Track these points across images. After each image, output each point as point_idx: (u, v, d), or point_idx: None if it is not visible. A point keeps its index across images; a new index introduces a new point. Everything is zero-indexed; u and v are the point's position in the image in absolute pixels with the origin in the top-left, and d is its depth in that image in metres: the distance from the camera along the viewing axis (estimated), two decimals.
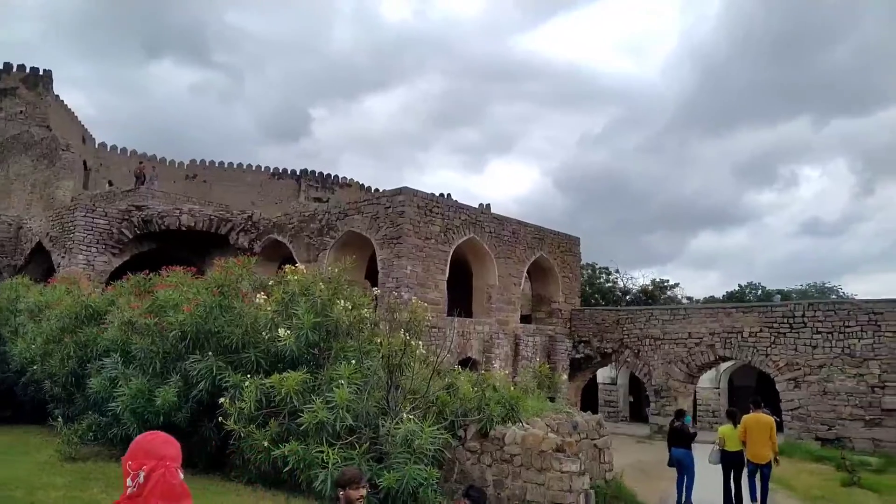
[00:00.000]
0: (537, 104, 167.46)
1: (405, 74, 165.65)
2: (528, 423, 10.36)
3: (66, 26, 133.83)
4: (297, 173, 61.52)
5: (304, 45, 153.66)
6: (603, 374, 31.22)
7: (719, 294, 52.99)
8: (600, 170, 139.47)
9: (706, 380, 27.99)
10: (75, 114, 52.23)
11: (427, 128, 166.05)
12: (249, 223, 25.42)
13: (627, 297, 41.74)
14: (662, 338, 24.69)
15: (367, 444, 8.20)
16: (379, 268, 20.54)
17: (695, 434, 11.88)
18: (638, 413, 31.04)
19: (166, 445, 2.43)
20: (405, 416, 8.43)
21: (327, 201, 51.53)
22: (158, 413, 9.14)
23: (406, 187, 20.74)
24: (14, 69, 45.68)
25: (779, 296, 44.06)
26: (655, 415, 24.52)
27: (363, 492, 4.65)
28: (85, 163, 48.57)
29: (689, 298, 45.64)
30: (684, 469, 11.94)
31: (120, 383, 9.78)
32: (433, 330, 18.47)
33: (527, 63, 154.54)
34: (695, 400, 26.47)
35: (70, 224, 22.89)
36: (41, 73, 46.42)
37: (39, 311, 13.59)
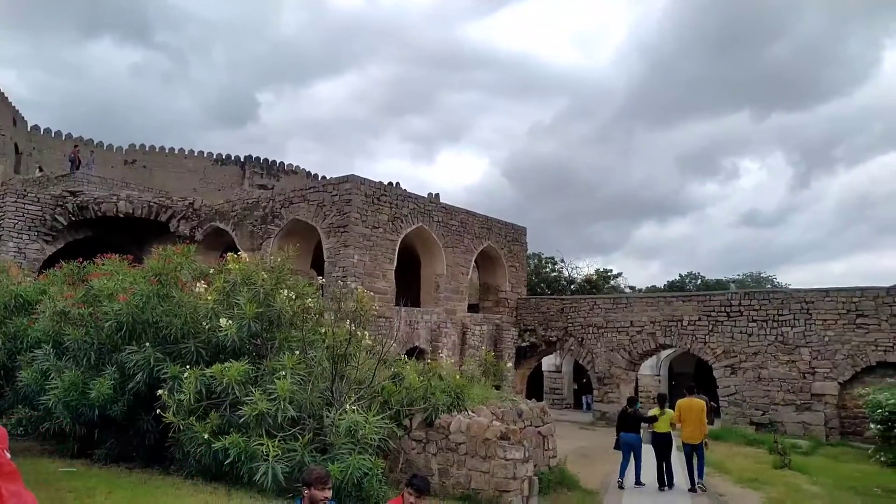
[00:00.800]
0: (487, 94, 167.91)
1: (355, 60, 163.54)
2: (473, 412, 10.44)
3: None
4: (242, 160, 60.18)
5: (251, 28, 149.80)
6: (548, 363, 31.72)
7: (661, 283, 54.45)
8: (549, 160, 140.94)
9: (647, 367, 28.74)
10: (5, 94, 49.73)
11: (377, 115, 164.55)
12: (191, 210, 24.78)
13: (572, 287, 42.41)
14: (605, 326, 25.21)
15: (311, 435, 8.13)
16: (325, 257, 20.31)
17: (654, 418, 12.39)
18: (580, 400, 31.72)
19: None
20: (349, 406, 8.38)
21: (272, 188, 50.62)
22: (93, 406, 8.84)
23: (353, 175, 20.53)
24: None
25: (733, 285, 45.56)
26: (598, 401, 25.08)
27: (329, 493, 4.58)
28: (16, 146, 46.41)
29: (632, 288, 46.70)
30: (634, 452, 12.50)
31: (52, 376, 9.40)
32: (380, 319, 18.42)
33: (477, 52, 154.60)
34: (636, 386, 27.17)
35: (0, 210, 21.86)
36: None
37: None
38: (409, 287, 23.39)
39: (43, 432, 9.98)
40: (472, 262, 25.24)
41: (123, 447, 9.47)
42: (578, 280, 43.39)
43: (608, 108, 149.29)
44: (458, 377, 10.76)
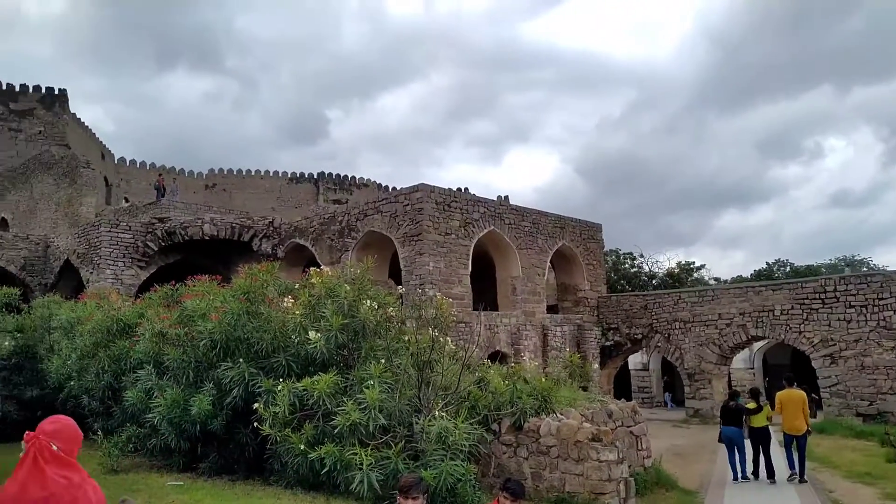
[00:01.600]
0: (551, 91, 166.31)
1: (417, 70, 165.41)
2: (561, 414, 10.29)
3: (79, 42, 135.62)
4: (315, 176, 61.84)
5: (314, 46, 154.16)
6: (634, 361, 31.01)
7: (747, 273, 52.32)
8: (619, 154, 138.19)
9: (740, 360, 27.66)
10: (93, 130, 52.95)
11: (442, 122, 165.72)
12: (271, 229, 25.58)
13: (654, 282, 41.34)
14: (692, 320, 24.42)
15: (402, 442, 8.20)
16: (401, 266, 20.55)
17: (757, 409, 12.14)
18: (672, 397, 30.81)
19: (47, 423, 2.84)
20: (438, 412, 8.41)
21: (346, 202, 51.73)
22: (195, 422, 9.22)
23: (423, 184, 20.71)
24: (30, 90, 46.37)
25: (848, 269, 43.30)
26: (690, 398, 24.29)
27: (419, 501, 4.59)
28: (106, 178, 49.27)
29: (717, 279, 45.13)
30: (737, 446, 12.34)
31: (155, 394, 9.88)
32: (460, 325, 18.46)
33: (537, 50, 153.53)
34: (729, 381, 26.18)
35: (96, 240, 23.21)
36: (56, 92, 47.04)
37: (72, 327, 13.79)
38: (485, 291, 23.36)
39: (150, 448, 10.47)
40: (548, 263, 24.96)
41: (225, 460, 9.83)
42: (660, 274, 42.25)
43: (677, 97, 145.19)
44: (543, 380, 10.63)
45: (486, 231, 22.05)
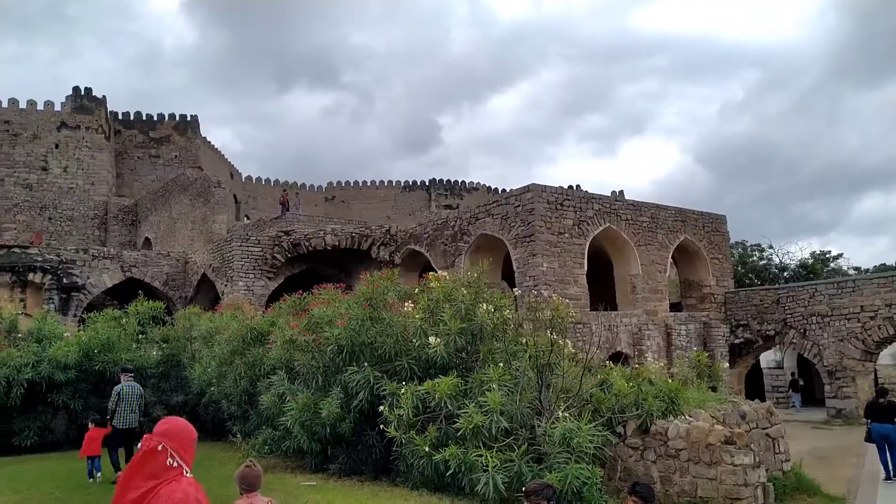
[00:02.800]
0: (666, 79, 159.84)
1: (526, 68, 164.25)
2: (690, 416, 9.87)
3: (209, 70, 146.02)
4: (427, 183, 63.10)
5: (425, 54, 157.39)
6: (766, 359, 29.15)
7: (892, 261, 47.92)
8: (744, 139, 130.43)
9: (887, 356, 25.32)
10: (222, 152, 56.85)
11: (553, 119, 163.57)
12: (388, 236, 26.34)
13: (785, 274, 38.76)
14: (831, 314, 22.66)
15: (525, 445, 8.18)
16: (515, 267, 20.49)
17: None
18: (810, 397, 28.70)
19: (160, 424, 3.02)
20: (560, 415, 8.33)
21: (457, 207, 52.35)
22: (324, 424, 9.64)
23: (534, 184, 20.56)
24: (166, 118, 50.54)
25: None
26: (832, 397, 22.54)
27: None
28: (235, 196, 52.63)
29: (856, 269, 41.60)
30: (889, 444, 11.78)
31: (287, 398, 10.43)
32: (577, 326, 18.15)
33: (649, 38, 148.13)
34: (875, 378, 24.03)
35: (228, 254, 24.87)
36: (189, 118, 50.98)
37: (211, 336, 14.83)
38: (602, 291, 22.83)
39: (284, 450, 11.06)
40: (669, 259, 24.01)
41: (353, 461, 10.20)
42: (792, 266, 39.54)
43: (806, 74, 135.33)
44: (669, 381, 10.24)
45: (601, 229, 21.56)
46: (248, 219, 39.33)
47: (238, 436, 11.84)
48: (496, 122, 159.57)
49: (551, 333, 9.27)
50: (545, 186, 20.73)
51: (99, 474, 10.84)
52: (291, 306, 13.39)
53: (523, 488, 5.08)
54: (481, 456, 7.78)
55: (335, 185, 62.45)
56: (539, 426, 8.52)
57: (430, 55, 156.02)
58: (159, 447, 2.84)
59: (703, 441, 8.98)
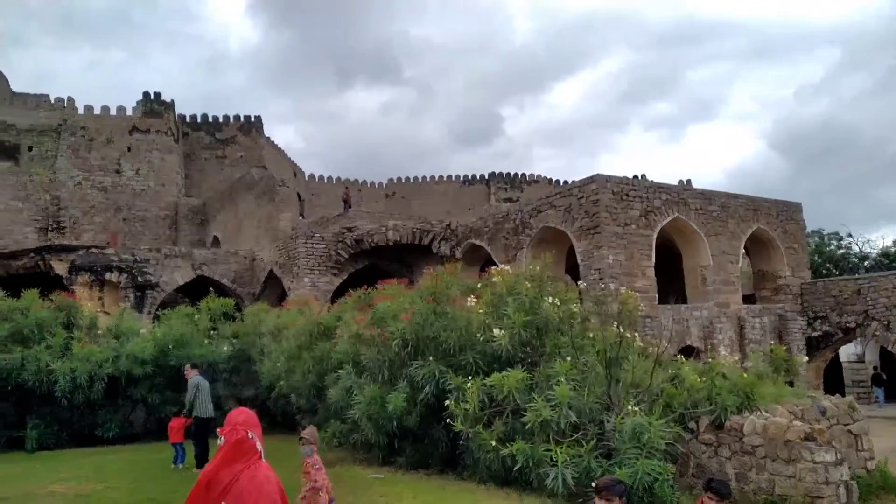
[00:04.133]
0: (737, 63, 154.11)
1: (589, 56, 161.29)
2: (766, 412, 9.50)
3: (272, 69, 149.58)
4: (486, 177, 62.92)
5: (486, 46, 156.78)
6: (846, 352, 27.79)
7: None
8: (821, 123, 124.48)
9: None
10: (285, 151, 58.16)
11: (617, 108, 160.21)
12: (448, 231, 26.36)
13: (865, 264, 36.90)
14: None
15: (594, 440, 8.02)
16: (579, 260, 20.16)
17: None
18: (894, 392, 27.21)
19: (238, 414, 3.21)
20: (630, 410, 8.13)
21: (517, 200, 51.99)
22: (391, 418, 9.69)
23: (598, 174, 20.16)
24: (231, 120, 52.07)
25: None
26: None
27: (616, 502, 4.46)
28: (298, 194, 53.73)
29: None
30: None
31: (354, 392, 10.54)
32: (646, 319, 17.74)
33: (717, 21, 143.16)
34: None
35: (294, 251, 25.40)
36: (252, 119, 52.38)
37: (279, 332, 15.15)
38: (671, 283, 22.21)
39: (353, 443, 11.20)
40: (741, 249, 23.16)
41: (420, 455, 10.24)
42: (873, 255, 37.62)
43: (887, 52, 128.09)
44: (743, 375, 9.86)
45: (669, 219, 20.97)
46: (303, 217, 40.09)
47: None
48: (559, 113, 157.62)
49: (619, 327, 9.05)
50: (609, 177, 20.31)
51: (181, 464, 11.24)
52: (356, 301, 13.53)
53: (593, 483, 4.96)
54: (549, 451, 7.67)
55: (394, 181, 63.03)
56: (608, 421, 8.34)
57: (490, 46, 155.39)
58: (249, 435, 3.01)
59: (781, 437, 8.62)
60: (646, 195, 20.64)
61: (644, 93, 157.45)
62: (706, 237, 21.68)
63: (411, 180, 63.15)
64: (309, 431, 6.33)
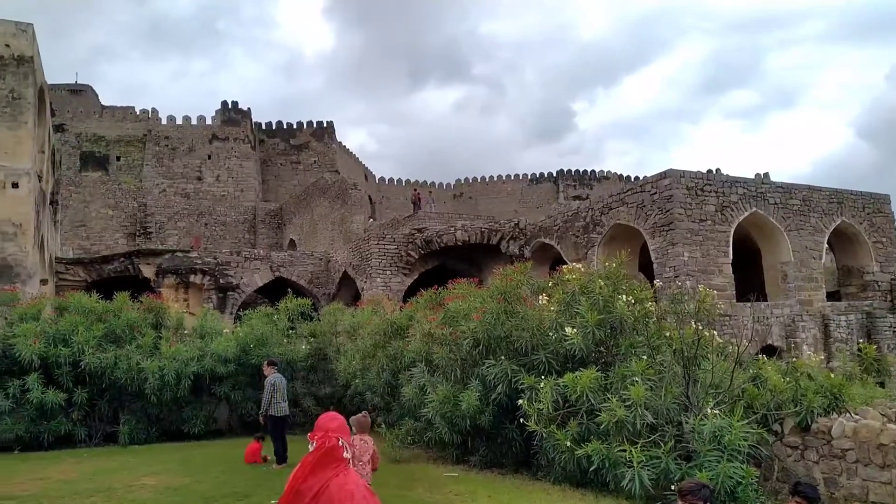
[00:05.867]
0: (821, 46, 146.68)
1: (663, 46, 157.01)
2: (856, 414, 9.06)
3: (345, 73, 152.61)
4: (554, 175, 62.32)
5: (558, 39, 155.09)
6: None
7: None
8: None
9: None
10: (356, 156, 59.37)
11: (693, 98, 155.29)
12: (517, 230, 26.30)
13: None
14: None
15: (672, 441, 7.86)
16: (652, 258, 19.74)
17: None
18: None
19: (330, 420, 3.19)
20: (710, 411, 7.93)
21: (586, 198, 51.27)
22: (464, 416, 9.76)
23: (671, 169, 19.69)
24: (304, 126, 53.56)
25: None
26: None
27: None
28: (370, 197, 54.70)
29: None
30: None
31: (428, 390, 10.67)
32: (724, 318, 17.21)
33: (802, 3, 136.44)
34: None
35: (366, 252, 25.91)
36: (325, 125, 53.71)
37: (354, 331, 15.49)
38: (749, 280, 21.45)
39: (426, 441, 11.33)
40: (825, 244, 22.14)
41: (493, 454, 10.28)
42: None
43: None
44: (830, 375, 9.45)
45: (746, 214, 20.27)
46: (373, 220, 40.84)
47: (383, 426, 12.27)
48: (632, 106, 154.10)
49: (697, 326, 8.84)
50: (683, 171, 19.80)
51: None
52: (427, 301, 13.67)
53: (675, 487, 4.89)
54: (625, 451, 7.57)
55: (462, 181, 63.27)
56: (686, 422, 8.15)
57: (561, 40, 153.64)
58: (339, 442, 3.01)
59: (874, 441, 8.21)
60: (721, 190, 20.03)
61: (722, 82, 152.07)
62: (786, 232, 20.85)
63: (478, 180, 63.24)
64: (355, 418, 6.91)
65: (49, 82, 25.65)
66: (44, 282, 22.20)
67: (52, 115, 29.33)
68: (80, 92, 60.19)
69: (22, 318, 14.79)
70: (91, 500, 8.72)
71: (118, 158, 46.04)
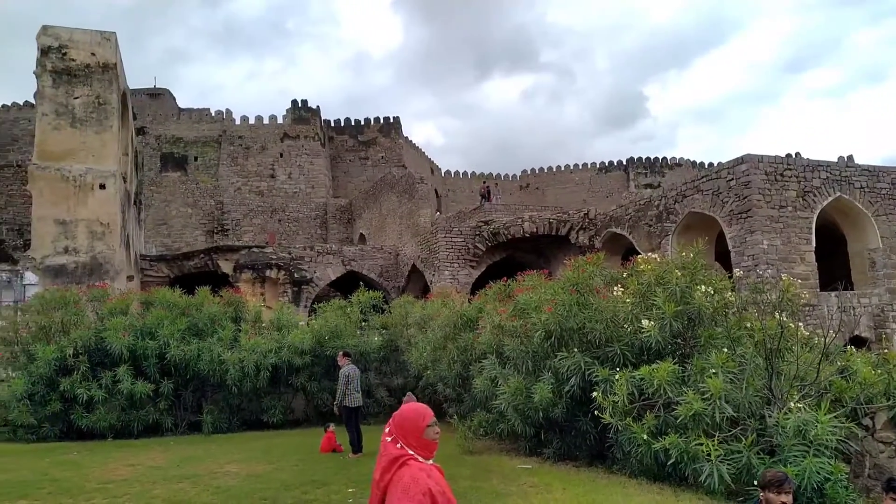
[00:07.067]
0: None
1: (738, 25, 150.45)
2: None
3: (412, 67, 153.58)
4: (624, 163, 60.97)
5: (628, 24, 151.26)
6: None
7: None
8: None
9: None
10: (423, 150, 59.78)
11: (772, 79, 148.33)
12: (586, 220, 25.90)
13: None
14: None
15: (753, 435, 7.61)
16: (730, 246, 19.08)
17: None
18: None
19: (397, 415, 3.21)
20: (794, 405, 7.63)
21: (658, 186, 49.98)
22: (537, 409, 9.73)
23: (749, 154, 18.94)
24: (371, 122, 54.31)
25: None
26: None
27: (787, 498, 4.24)
28: (436, 191, 55.03)
29: None
30: None
31: (499, 382, 10.69)
32: (807, 308, 16.50)
33: None
34: None
35: (434, 245, 26.10)
36: (392, 120, 54.30)
37: (424, 323, 15.66)
38: (833, 269, 20.47)
39: (499, 433, 11.36)
40: None
41: (567, 446, 10.20)
42: None
43: None
44: None
45: (830, 199, 19.31)
46: (439, 213, 41.06)
47: (454, 417, 12.38)
48: (706, 89, 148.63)
49: (780, 316, 8.51)
50: (762, 156, 19.03)
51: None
52: (497, 293, 13.67)
53: (757, 481, 4.73)
54: (703, 445, 7.37)
55: (529, 172, 62.73)
56: (769, 416, 7.87)
57: (631, 24, 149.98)
58: (388, 438, 3.11)
59: None
60: (802, 174, 19.15)
61: (802, 60, 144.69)
62: (874, 217, 19.75)
63: (546, 170, 62.56)
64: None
65: (130, 87, 26.94)
66: (130, 278, 23.40)
67: (134, 118, 30.81)
68: (158, 95, 62.99)
69: (112, 312, 15.65)
70: (180, 485, 9.15)
71: (195, 159, 47.89)
